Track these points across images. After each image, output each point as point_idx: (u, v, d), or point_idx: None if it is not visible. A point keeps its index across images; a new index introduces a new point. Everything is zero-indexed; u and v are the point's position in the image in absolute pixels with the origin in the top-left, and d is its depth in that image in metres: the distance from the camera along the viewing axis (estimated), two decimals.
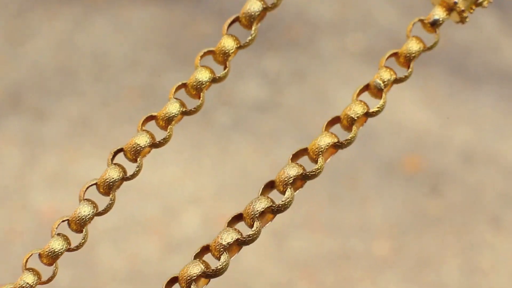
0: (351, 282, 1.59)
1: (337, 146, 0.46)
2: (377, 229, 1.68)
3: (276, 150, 1.81)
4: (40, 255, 0.47)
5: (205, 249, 0.47)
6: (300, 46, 2.11)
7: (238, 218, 0.47)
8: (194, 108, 0.47)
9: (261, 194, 0.47)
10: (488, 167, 1.82)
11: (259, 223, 0.46)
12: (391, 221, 1.69)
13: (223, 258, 0.45)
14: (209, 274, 0.45)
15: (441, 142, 1.87)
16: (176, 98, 0.47)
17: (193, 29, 2.13)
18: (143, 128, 0.48)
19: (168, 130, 0.47)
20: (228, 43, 0.47)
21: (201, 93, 0.47)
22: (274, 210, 0.46)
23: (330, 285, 1.59)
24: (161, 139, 0.47)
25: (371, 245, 1.65)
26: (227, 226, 0.46)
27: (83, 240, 0.47)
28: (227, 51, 0.47)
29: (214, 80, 0.47)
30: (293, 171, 0.46)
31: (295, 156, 0.47)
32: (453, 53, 2.13)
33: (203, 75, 0.47)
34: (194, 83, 0.47)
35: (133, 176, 0.47)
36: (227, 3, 2.21)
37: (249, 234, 0.46)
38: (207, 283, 0.46)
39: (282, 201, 0.47)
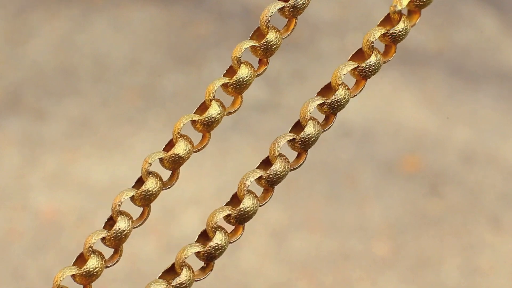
0: (350, 282, 1.59)
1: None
2: (376, 229, 1.68)
3: None
4: (104, 239, 0.45)
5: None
6: (300, 46, 2.11)
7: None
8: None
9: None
10: (488, 168, 1.82)
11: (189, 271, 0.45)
12: (390, 221, 1.69)
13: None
14: None
15: (440, 142, 1.88)
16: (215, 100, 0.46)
17: (192, 30, 2.13)
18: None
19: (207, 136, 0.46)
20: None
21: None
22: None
23: (329, 285, 1.59)
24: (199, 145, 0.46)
25: (370, 245, 1.65)
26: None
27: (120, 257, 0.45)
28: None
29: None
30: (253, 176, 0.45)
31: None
32: (452, 54, 2.14)
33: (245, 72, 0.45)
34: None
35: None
36: (226, 4, 2.21)
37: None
38: None
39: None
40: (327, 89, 0.45)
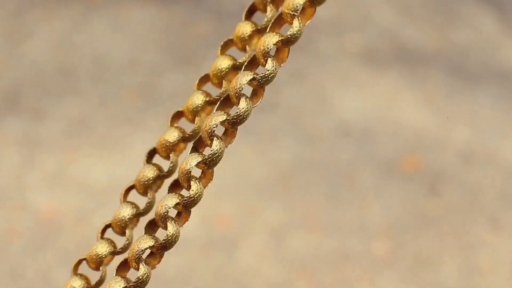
0: (349, 282, 1.59)
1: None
2: (376, 229, 1.68)
3: (274, 150, 1.81)
4: (86, 260, 0.46)
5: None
6: (299, 46, 2.11)
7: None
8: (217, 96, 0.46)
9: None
10: (487, 167, 1.82)
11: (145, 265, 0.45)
12: (390, 221, 1.69)
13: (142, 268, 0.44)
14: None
15: (439, 142, 1.87)
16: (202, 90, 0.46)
17: (192, 30, 2.13)
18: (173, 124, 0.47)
19: (196, 122, 0.46)
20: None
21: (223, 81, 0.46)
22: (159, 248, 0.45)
23: (328, 285, 1.59)
24: (191, 132, 0.46)
25: (369, 245, 1.65)
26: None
27: (127, 242, 0.46)
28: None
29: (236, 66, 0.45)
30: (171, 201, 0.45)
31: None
32: (451, 54, 2.14)
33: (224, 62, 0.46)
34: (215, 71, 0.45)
35: (169, 173, 0.46)
36: (225, 3, 2.21)
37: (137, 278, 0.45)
38: None
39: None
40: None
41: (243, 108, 0.43)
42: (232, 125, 0.43)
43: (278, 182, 1.75)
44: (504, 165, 1.83)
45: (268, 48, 0.42)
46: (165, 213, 0.43)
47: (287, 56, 0.42)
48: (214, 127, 0.43)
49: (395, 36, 2.15)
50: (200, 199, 0.44)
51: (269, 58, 0.42)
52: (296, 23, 0.42)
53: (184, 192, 0.45)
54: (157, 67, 2.02)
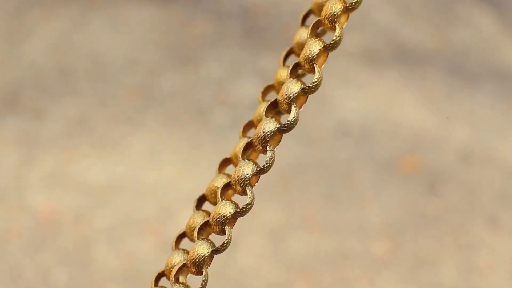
0: (348, 282, 1.59)
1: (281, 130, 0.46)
2: (375, 229, 1.68)
3: None
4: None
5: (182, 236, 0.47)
6: None
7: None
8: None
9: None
10: (486, 167, 1.82)
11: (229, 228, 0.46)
12: (389, 221, 1.69)
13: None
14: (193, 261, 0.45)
15: (438, 141, 1.88)
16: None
17: (190, 29, 2.13)
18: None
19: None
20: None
21: None
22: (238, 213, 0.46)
23: (327, 285, 1.59)
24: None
25: (368, 245, 1.65)
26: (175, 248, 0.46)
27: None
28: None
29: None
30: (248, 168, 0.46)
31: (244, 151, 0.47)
32: (451, 53, 2.14)
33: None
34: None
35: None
36: (225, 3, 2.21)
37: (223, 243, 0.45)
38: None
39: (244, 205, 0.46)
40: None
41: (293, 117, 0.45)
42: (280, 132, 0.45)
43: (278, 183, 1.75)
44: (503, 165, 1.83)
45: (313, 54, 0.44)
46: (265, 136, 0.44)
47: (325, 61, 0.44)
48: (269, 134, 0.45)
49: (394, 36, 2.15)
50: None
51: (315, 65, 0.44)
52: (338, 30, 0.43)
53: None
54: (156, 66, 2.02)
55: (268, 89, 0.48)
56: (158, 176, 1.75)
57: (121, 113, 1.88)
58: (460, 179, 1.79)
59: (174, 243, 0.47)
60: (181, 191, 1.72)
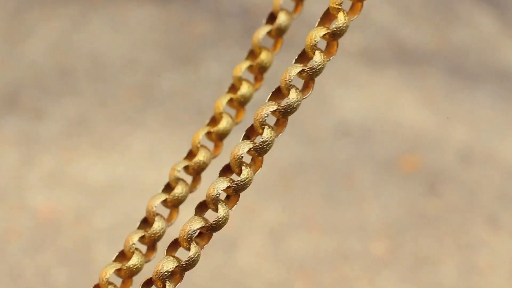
0: (348, 282, 1.59)
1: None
2: (374, 229, 1.68)
3: (274, 150, 1.81)
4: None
5: (175, 243, 0.48)
6: (297, 46, 2.11)
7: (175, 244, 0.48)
8: None
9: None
10: (486, 167, 1.82)
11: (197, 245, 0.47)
12: (388, 221, 1.69)
13: (193, 249, 0.46)
14: (184, 266, 0.46)
15: (438, 141, 1.87)
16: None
17: (190, 29, 2.13)
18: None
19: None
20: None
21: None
22: (209, 228, 0.47)
23: (327, 284, 1.59)
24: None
25: (368, 244, 1.65)
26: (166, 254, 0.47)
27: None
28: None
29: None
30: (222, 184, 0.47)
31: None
32: (451, 53, 2.14)
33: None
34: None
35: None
36: (224, 3, 2.21)
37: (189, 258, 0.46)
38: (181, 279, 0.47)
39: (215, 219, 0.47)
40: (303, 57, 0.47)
41: (293, 99, 0.45)
42: (283, 115, 0.45)
43: (278, 182, 1.75)
44: (503, 164, 1.83)
45: (315, 41, 0.44)
46: (217, 196, 0.45)
47: (336, 50, 0.44)
48: (265, 117, 0.45)
49: (394, 36, 2.15)
50: (249, 184, 0.46)
51: (316, 51, 0.44)
52: (341, 16, 0.43)
53: (234, 177, 0.46)
54: (156, 66, 2.02)
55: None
56: (158, 176, 1.75)
57: (121, 113, 1.88)
58: (460, 179, 1.79)
59: None
60: None
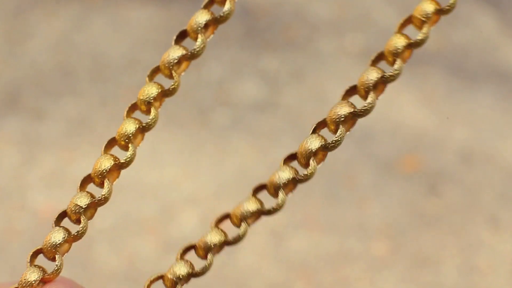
0: (348, 282, 1.59)
1: (325, 148, 0.47)
2: (375, 229, 1.68)
3: (274, 150, 1.81)
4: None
5: (191, 248, 0.47)
6: (298, 46, 2.11)
7: (226, 217, 0.47)
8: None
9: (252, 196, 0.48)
10: (486, 167, 1.82)
11: (247, 224, 0.46)
12: (389, 221, 1.69)
13: (209, 257, 0.45)
14: (195, 274, 0.46)
15: (439, 141, 1.87)
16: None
17: None
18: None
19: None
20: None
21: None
22: (264, 213, 0.47)
23: (327, 285, 1.59)
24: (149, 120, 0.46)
25: (369, 245, 1.65)
26: (215, 226, 0.46)
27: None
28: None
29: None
30: (285, 174, 0.47)
31: (287, 160, 0.48)
32: (451, 53, 2.14)
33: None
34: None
35: (127, 163, 0.46)
36: None
37: (236, 235, 0.45)
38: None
39: (274, 205, 0.47)
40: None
41: (369, 104, 0.45)
42: (355, 117, 0.46)
43: None
44: (504, 165, 1.83)
45: (397, 49, 0.45)
46: (279, 184, 0.46)
47: (409, 57, 0.45)
48: (342, 118, 0.46)
49: None
50: (311, 178, 0.47)
51: (397, 59, 0.45)
52: (425, 29, 0.44)
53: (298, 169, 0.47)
54: None
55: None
56: (159, 176, 1.75)
57: (122, 113, 1.88)
58: (460, 179, 1.79)
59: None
60: (182, 191, 1.72)
